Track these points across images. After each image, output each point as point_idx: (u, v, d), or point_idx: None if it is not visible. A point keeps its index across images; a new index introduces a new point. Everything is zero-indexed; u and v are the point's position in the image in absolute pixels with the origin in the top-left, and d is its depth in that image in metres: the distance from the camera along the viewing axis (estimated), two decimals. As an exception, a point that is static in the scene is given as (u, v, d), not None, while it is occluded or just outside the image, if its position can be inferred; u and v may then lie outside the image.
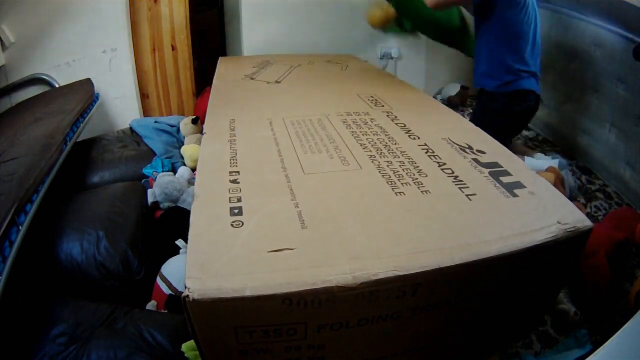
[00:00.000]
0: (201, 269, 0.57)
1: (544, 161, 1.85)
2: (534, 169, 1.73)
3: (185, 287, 0.54)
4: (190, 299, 0.53)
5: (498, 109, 1.67)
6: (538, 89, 1.65)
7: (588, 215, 1.70)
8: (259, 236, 0.64)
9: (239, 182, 0.78)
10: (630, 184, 1.79)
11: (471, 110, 2.43)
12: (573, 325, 1.18)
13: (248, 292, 0.54)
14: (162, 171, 1.69)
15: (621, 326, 0.63)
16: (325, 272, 0.57)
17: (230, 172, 0.82)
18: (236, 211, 0.69)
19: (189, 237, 0.65)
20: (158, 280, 1.19)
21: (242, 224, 0.66)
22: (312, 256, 0.60)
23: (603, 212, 1.74)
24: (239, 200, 0.73)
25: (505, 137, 1.84)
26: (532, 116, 1.76)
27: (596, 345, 0.66)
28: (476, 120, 1.72)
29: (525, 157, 1.83)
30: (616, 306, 1.23)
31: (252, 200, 0.73)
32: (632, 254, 1.38)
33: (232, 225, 0.66)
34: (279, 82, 1.48)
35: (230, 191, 0.75)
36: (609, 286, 1.22)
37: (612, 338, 0.61)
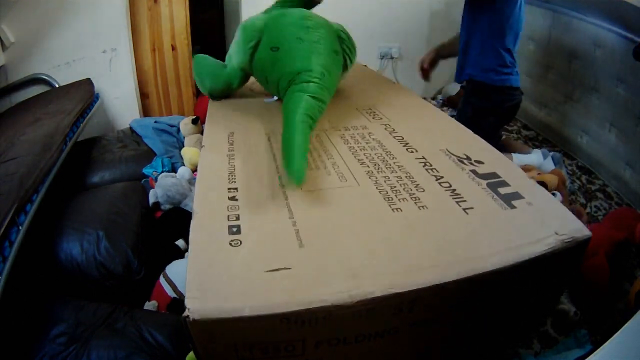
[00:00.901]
0: (200, 288, 0.58)
1: (529, 156, 1.85)
2: (522, 164, 1.75)
3: (185, 307, 0.55)
4: (191, 319, 0.54)
5: (490, 106, 1.67)
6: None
7: (588, 215, 1.71)
8: (257, 255, 0.64)
9: (237, 199, 0.78)
10: (630, 184, 1.79)
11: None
12: (573, 325, 1.18)
13: (247, 312, 0.55)
14: (162, 171, 1.69)
15: (621, 326, 0.63)
16: (322, 291, 0.57)
17: (229, 189, 0.81)
18: (234, 229, 0.69)
19: (189, 255, 0.65)
20: (162, 281, 1.19)
21: (241, 243, 0.66)
22: (308, 275, 0.61)
23: (603, 212, 1.74)
24: (237, 218, 0.72)
25: (495, 134, 1.85)
26: (517, 112, 1.79)
27: (596, 345, 0.66)
28: (466, 119, 1.72)
29: (512, 154, 1.83)
30: (616, 306, 1.23)
31: (251, 218, 0.73)
32: (632, 254, 1.38)
33: (230, 244, 0.66)
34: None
35: (229, 209, 0.75)
36: (609, 286, 1.22)
37: (612, 338, 0.61)
